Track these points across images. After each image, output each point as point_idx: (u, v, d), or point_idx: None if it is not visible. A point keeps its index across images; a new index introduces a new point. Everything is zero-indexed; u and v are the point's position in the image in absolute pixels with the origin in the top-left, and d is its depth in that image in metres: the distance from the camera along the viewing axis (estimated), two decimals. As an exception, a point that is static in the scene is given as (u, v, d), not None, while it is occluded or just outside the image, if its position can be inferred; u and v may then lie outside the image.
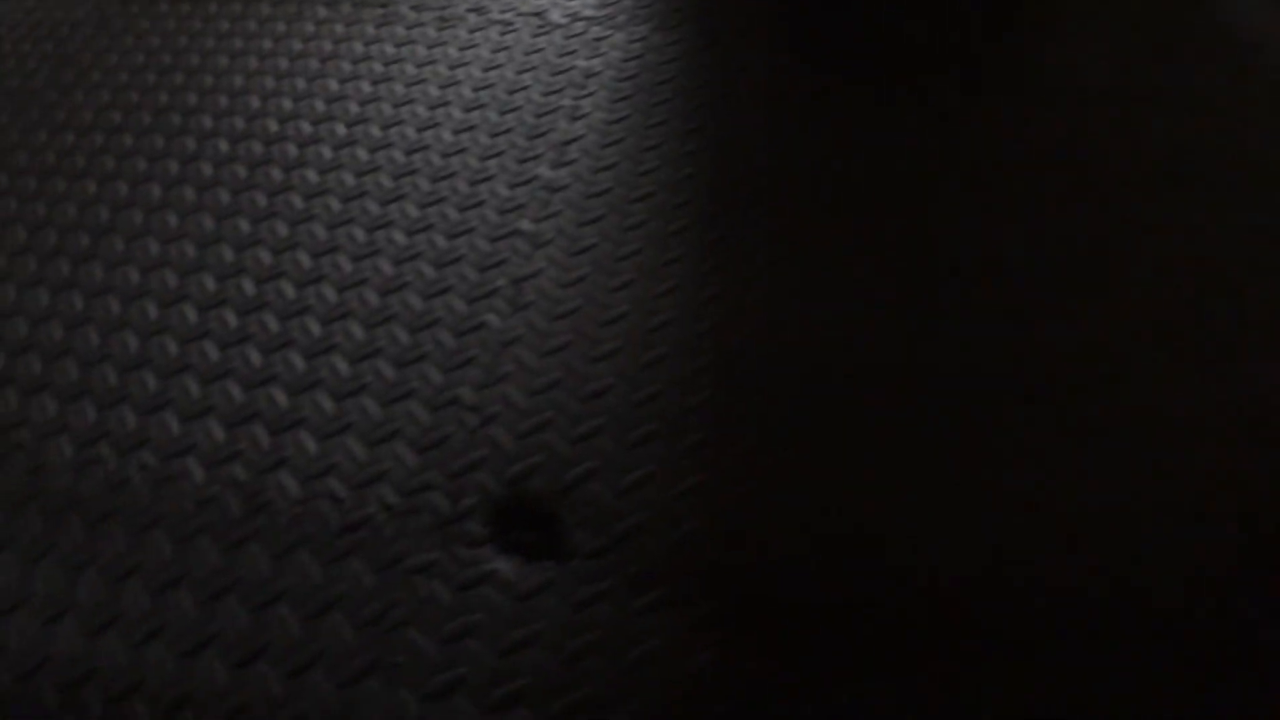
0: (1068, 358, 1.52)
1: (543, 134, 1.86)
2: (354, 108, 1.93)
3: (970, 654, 1.27)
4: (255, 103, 1.95)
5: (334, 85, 1.98)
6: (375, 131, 1.87)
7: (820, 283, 1.61)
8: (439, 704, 1.25)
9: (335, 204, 1.75)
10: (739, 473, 1.41)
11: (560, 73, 1.98)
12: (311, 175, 1.80)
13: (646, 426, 1.46)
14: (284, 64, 2.03)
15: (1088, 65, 1.97)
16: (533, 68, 1.99)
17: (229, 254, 1.69)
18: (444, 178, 1.78)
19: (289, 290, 1.64)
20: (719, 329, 1.56)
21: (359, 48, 2.07)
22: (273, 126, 1.90)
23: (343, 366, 1.53)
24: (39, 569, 1.38)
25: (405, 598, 1.33)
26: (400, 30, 2.12)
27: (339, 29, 2.14)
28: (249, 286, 1.65)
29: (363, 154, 1.83)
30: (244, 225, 1.73)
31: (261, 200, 1.77)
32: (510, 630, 1.30)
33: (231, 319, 1.61)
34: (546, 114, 1.89)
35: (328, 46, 2.08)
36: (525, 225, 1.70)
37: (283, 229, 1.72)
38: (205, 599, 1.34)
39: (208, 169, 1.83)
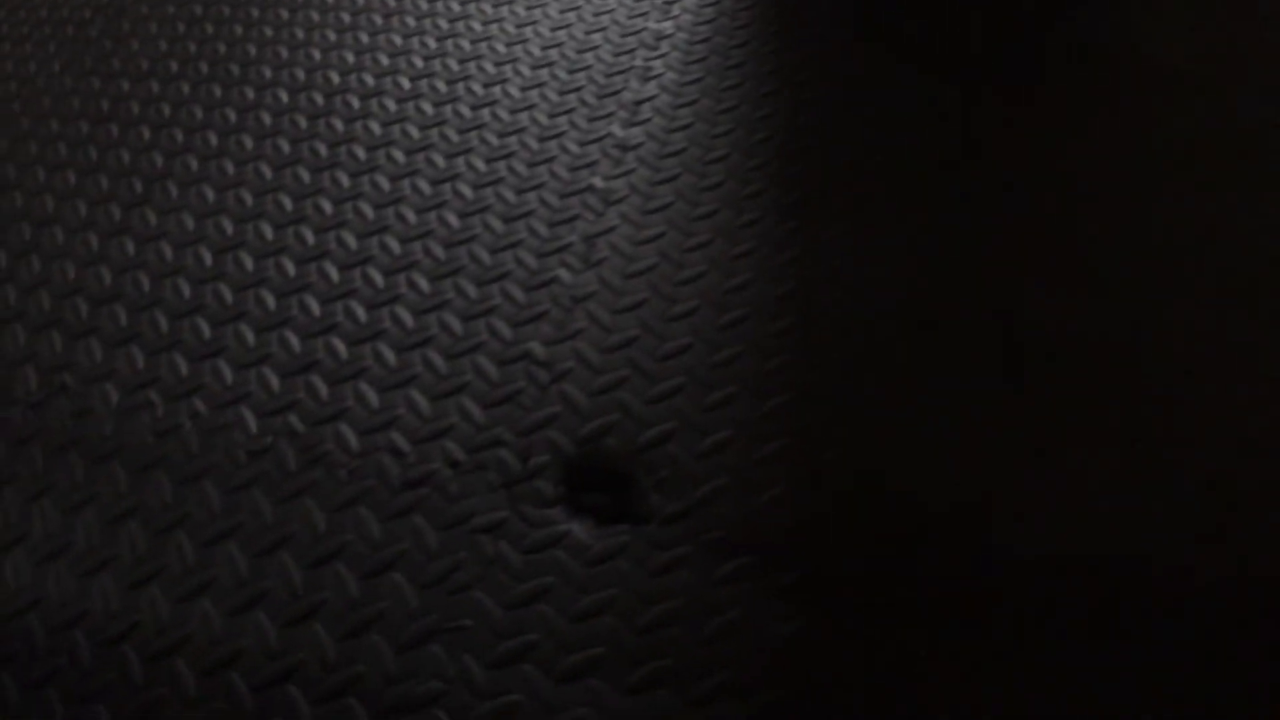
0: (1159, 340, 1.39)
1: (614, 93, 1.74)
2: (419, 62, 1.82)
3: (1059, 630, 1.14)
4: (316, 55, 1.85)
5: (398, 40, 1.88)
6: (441, 86, 1.77)
7: (905, 248, 1.49)
8: (506, 671, 1.13)
9: (400, 156, 1.64)
10: (822, 438, 1.29)
11: (631, 34, 1.87)
12: (375, 127, 1.69)
13: (726, 388, 1.34)
14: (346, 18, 1.93)
15: (1174, 47, 1.85)
16: (602, 28, 1.88)
17: (288, 203, 1.59)
18: (512, 133, 1.67)
19: (350, 240, 1.52)
20: (800, 293, 1.44)
21: (423, 4, 1.97)
22: (335, 79, 1.79)
23: (407, 318, 1.42)
24: (79, 518, 1.27)
25: (471, 559, 1.21)
26: (465, -10, 2.02)
27: (402, -12, 2.04)
28: (309, 235, 1.54)
29: (428, 108, 1.73)
30: (304, 174, 1.63)
31: (322, 150, 1.66)
32: (583, 596, 1.18)
33: (290, 267, 1.50)
34: (617, 74, 1.78)
35: (391, 1, 1.97)
36: (597, 182, 1.59)
37: (344, 179, 1.61)
38: (256, 554, 1.22)
39: (267, 118, 1.73)
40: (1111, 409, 1.31)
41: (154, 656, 1.16)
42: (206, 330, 1.43)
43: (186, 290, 1.48)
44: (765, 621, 1.15)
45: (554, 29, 1.89)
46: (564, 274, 1.46)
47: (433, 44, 1.86)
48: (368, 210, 1.56)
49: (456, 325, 1.40)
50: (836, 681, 1.11)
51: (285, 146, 1.67)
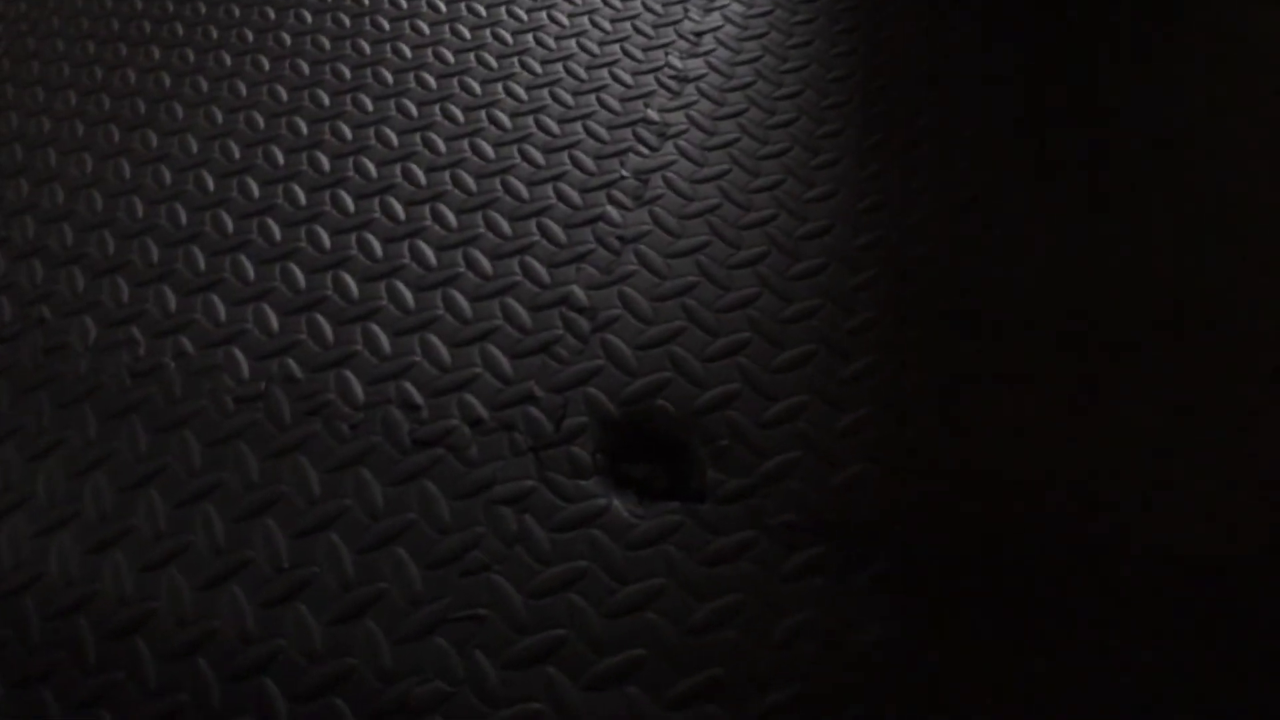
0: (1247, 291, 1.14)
1: (672, 22, 1.50)
2: (457, -15, 1.60)
3: (1175, 634, 0.90)
4: (346, -25, 1.62)
5: (436, -37, 1.65)
6: (480, 9, 1.53)
7: (1001, 200, 1.24)
8: (525, 673, 0.90)
9: (430, 80, 1.41)
10: (912, 410, 1.05)
11: (693, -37, 1.63)
12: (405, 50, 1.46)
13: (799, 347, 1.10)
14: (382, -61, 1.70)
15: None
16: (662, -44, 1.65)
17: (303, 126, 1.36)
18: (557, 60, 1.44)
19: (370, 167, 1.30)
20: (884, 244, 1.20)
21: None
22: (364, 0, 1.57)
23: (429, 254, 1.19)
24: (42, 467, 1.06)
25: (490, 535, 0.98)
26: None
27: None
28: (324, 161, 1.31)
29: (465, 31, 1.49)
30: (324, 97, 1.40)
31: (346, 72, 1.43)
32: (622, 586, 0.94)
33: (300, 195, 1.27)
34: (675, 3, 1.54)
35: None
36: (652, 114, 1.35)
37: (368, 103, 1.38)
38: (236, 518, 1.00)
39: (287, 39, 1.50)
40: (1227, 388, 1.06)
41: (112, 634, 0.94)
42: (202, 261, 1.21)
43: (183, 217, 1.26)
44: (841, 625, 0.91)
45: (608, -45, 1.65)
46: (612, 211, 1.22)
47: (474, -33, 1.63)
48: (391, 136, 1.33)
49: (485, 264, 1.17)
50: (924, 698, 0.87)
51: (305, 68, 1.44)
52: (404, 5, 1.54)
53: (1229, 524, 0.97)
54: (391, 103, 1.38)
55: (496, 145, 1.32)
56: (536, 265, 1.16)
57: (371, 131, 1.34)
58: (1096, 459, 1.01)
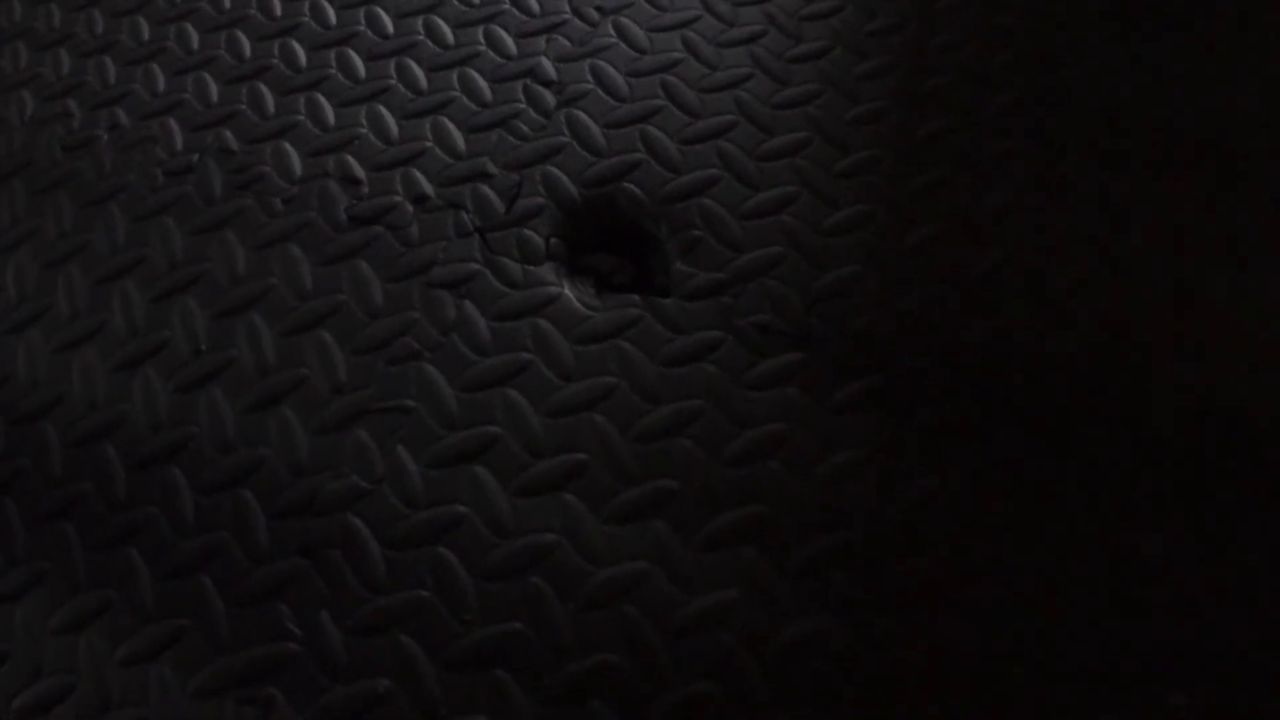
0: None
1: None
2: None
3: (1207, 493, 0.71)
4: None
5: None
6: None
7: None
8: (450, 473, 0.73)
9: None
10: (916, 207, 0.84)
11: None
12: None
13: (791, 133, 0.89)
14: None
15: None
16: None
17: (270, -108, 1.14)
18: None
19: (335, -67, 1.08)
20: (901, 28, 0.97)
21: None
22: None
23: (385, 21, 0.98)
24: (-38, 240, 0.90)
25: (424, 321, 0.80)
26: None
27: None
28: (285, -75, 1.10)
29: None
30: None
31: None
32: (567, 383, 0.77)
33: (257, -39, 1.07)
34: None
35: None
36: (651, -118, 1.11)
37: None
38: (155, 296, 0.84)
39: None
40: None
41: (21, 419, 0.80)
42: (147, 30, 1.01)
43: (134, -15, 1.06)
44: (813, 444, 0.73)
45: None
46: (594, -19, 1.00)
47: None
48: (363, -98, 1.10)
49: (446, 32, 0.96)
50: (900, 536, 0.70)
51: None
52: None
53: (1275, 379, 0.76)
54: None
55: (476, -87, 1.09)
56: (503, 34, 0.95)
57: (341, -104, 1.12)
58: (1132, 287, 0.80)
